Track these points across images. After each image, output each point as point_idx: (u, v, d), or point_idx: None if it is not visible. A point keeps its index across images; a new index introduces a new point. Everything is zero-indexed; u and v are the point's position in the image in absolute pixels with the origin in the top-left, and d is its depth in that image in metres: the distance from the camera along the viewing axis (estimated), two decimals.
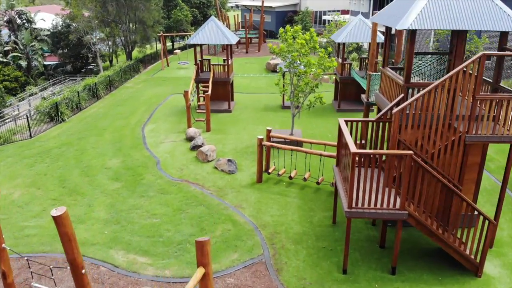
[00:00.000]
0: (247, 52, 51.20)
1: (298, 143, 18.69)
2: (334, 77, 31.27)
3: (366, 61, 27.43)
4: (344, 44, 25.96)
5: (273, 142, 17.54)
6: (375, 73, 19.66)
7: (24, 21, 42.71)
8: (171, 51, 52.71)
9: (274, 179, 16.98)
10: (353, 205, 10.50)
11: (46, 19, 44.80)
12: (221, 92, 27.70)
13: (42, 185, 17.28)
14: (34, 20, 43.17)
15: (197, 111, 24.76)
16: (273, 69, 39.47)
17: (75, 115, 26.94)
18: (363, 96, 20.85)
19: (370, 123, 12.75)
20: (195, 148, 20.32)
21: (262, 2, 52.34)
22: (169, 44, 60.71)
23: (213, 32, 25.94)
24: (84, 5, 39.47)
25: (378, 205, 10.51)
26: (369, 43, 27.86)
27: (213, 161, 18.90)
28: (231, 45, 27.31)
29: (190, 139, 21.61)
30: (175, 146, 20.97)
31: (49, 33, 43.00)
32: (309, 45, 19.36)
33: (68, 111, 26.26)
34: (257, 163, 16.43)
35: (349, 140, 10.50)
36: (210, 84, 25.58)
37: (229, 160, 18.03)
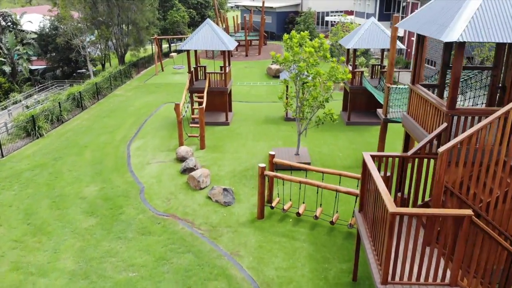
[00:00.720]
0: (246, 55, 48.45)
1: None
2: (341, 84, 28.54)
3: (378, 68, 24.69)
4: (355, 50, 23.19)
5: (276, 170, 14.80)
6: (395, 86, 16.89)
7: (9, 23, 39.98)
8: (167, 54, 49.91)
9: (278, 214, 14.23)
10: (389, 279, 7.76)
11: (34, 21, 42.04)
12: (218, 102, 24.96)
13: (4, 220, 14.52)
14: (19, 22, 40.43)
15: (190, 125, 22.01)
16: (274, 75, 36.70)
17: (55, 129, 24.15)
18: (379, 111, 18.09)
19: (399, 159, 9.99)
20: (186, 171, 17.58)
21: (263, 3, 49.61)
22: (165, 46, 57.98)
23: (209, 36, 23.18)
24: (72, 5, 36.71)
25: (422, 279, 7.77)
26: (382, 49, 25.19)
27: (206, 189, 16.17)
28: (229, 51, 24.60)
29: (181, 159, 18.87)
30: (164, 169, 18.22)
31: (36, 36, 40.23)
32: (318, 53, 16.61)
33: (47, 124, 23.50)
34: (258, 195, 13.68)
35: (384, 193, 7.72)
36: (205, 94, 22.83)
37: (225, 189, 15.28)
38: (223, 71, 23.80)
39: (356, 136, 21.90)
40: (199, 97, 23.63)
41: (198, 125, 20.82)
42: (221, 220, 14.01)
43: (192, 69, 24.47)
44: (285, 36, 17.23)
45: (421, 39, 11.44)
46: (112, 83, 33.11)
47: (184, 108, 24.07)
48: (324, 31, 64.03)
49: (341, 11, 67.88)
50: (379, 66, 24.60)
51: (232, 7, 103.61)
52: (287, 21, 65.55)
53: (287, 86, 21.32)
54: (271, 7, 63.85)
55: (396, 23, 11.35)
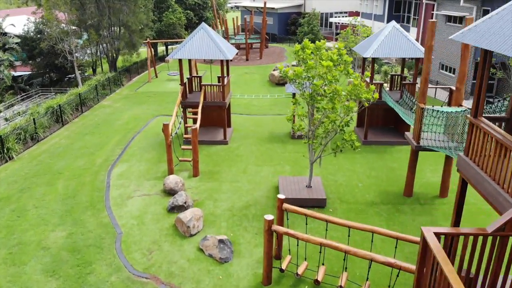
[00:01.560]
0: (247, 60, 45.27)
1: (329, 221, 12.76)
2: None
3: (398, 79, 21.51)
4: (373, 59, 20.00)
5: (286, 211, 11.61)
6: (430, 108, 13.71)
7: None
8: (163, 58, 46.58)
9: (290, 278, 11.06)
10: None
11: (18, 24, 38.82)
12: (215, 116, 21.85)
13: None
14: (1, 26, 37.25)
15: (182, 147, 18.86)
16: (277, 82, 33.49)
17: (29, 149, 20.96)
18: (408, 135, 14.92)
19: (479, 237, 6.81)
20: (174, 209, 14.43)
21: (264, 4, 46.47)
22: (162, 48, 54.81)
23: (204, 43, 20.02)
24: (57, 6, 33.54)
25: None
26: (403, 59, 21.97)
27: (198, 235, 13.02)
28: (227, 61, 21.51)
29: (169, 192, 15.72)
30: (148, 205, 15.05)
31: (19, 40, 37.04)
32: (338, 68, 13.44)
33: (18, 146, 20.35)
34: (264, 255, 10.49)
35: None
36: (199, 110, 19.67)
37: (220, 241, 12.10)
38: (221, 83, 20.64)
39: (376, 160, 18.71)
40: (193, 113, 20.49)
41: (191, 147, 17.67)
42: (215, 286, 10.86)
43: (186, 80, 21.35)
44: (297, 46, 14.01)
45: (488, 54, 8.27)
46: (99, 93, 29.96)
47: (175, 124, 20.98)
48: (328, 33, 60.90)
49: (345, 12, 64.78)
50: (399, 77, 21.43)
51: (232, 7, 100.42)
52: (289, 22, 62.43)
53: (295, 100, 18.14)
54: (273, 8, 60.71)
55: (470, 24, 8.35)
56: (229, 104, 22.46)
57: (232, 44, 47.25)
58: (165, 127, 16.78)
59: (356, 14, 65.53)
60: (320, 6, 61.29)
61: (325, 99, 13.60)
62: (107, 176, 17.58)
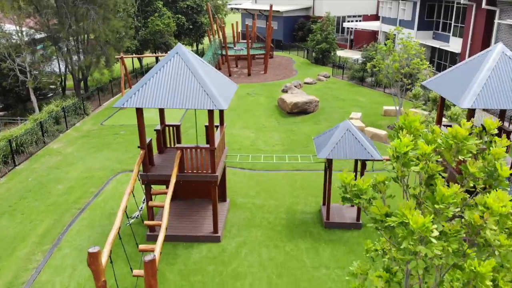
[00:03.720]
0: (249, 74, 36.78)
1: None
2: None
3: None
4: (472, 110, 11.44)
5: None
6: None
7: None
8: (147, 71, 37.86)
9: None
10: None
11: None
12: (200, 189, 13.53)
13: None
14: None
15: (139, 249, 10.47)
16: (290, 111, 24.93)
17: None
18: None
19: None
20: None
21: (271, 7, 37.96)
22: (150, 61, 46.29)
23: (181, 80, 11.57)
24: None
25: None
26: None
27: None
28: (221, 111, 13.16)
29: None
30: None
31: None
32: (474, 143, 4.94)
33: None
34: None
35: None
36: (169, 195, 11.15)
37: None
38: (209, 146, 12.13)
39: None
40: (157, 194, 12.06)
41: (153, 251, 9.21)
42: None
43: (149, 138, 12.94)
44: (402, 118, 5.52)
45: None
46: (48, 130, 21.50)
47: (136, 210, 12.59)
48: (340, 40, 52.38)
49: (359, 16, 56.30)
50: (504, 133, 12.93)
51: (233, 8, 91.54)
52: (296, 27, 53.98)
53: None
54: (277, 11, 52.21)
55: None
56: (224, 168, 14.04)
57: (231, 56, 38.78)
58: (92, 260, 8.24)
59: (372, 18, 57.13)
60: (331, 9, 52.78)
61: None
62: None
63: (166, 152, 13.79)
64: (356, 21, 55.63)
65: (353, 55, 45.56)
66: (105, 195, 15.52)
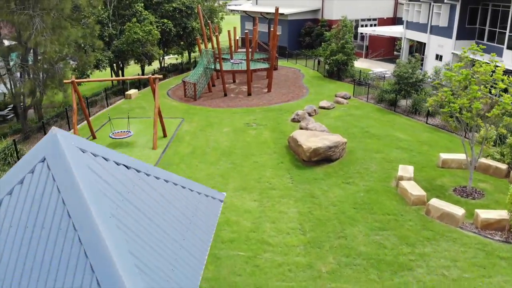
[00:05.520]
0: (249, 94, 29.23)
1: None
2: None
3: None
4: None
5: None
6: None
7: None
8: (123, 91, 29.98)
9: None
10: None
11: None
12: None
13: None
14: None
15: None
16: (308, 160, 17.27)
17: None
18: None
19: None
20: None
21: (276, 11, 30.40)
22: (133, 69, 38.69)
23: (40, 235, 4.03)
24: None
25: None
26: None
27: None
28: None
29: None
30: None
31: None
32: None
33: None
34: None
35: None
36: None
37: None
38: None
39: None
40: None
41: None
42: None
43: None
44: None
45: None
46: None
47: None
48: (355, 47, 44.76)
49: (374, 19, 48.69)
50: None
51: (232, 11, 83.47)
52: (303, 32, 46.38)
53: None
54: (282, 14, 44.33)
55: None
56: None
57: (226, 71, 31.03)
58: None
59: (388, 21, 49.54)
60: (342, 12, 45.22)
61: None
62: None
63: None
64: (371, 25, 48.06)
65: (372, 67, 37.98)
66: None
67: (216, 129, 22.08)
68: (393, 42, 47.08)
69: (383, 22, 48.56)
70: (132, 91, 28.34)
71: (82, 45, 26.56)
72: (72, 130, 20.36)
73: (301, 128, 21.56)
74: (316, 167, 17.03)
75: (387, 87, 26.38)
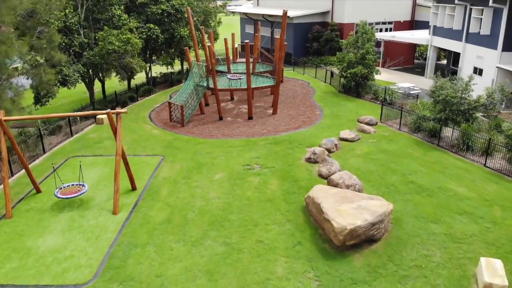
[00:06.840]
0: (250, 118, 23.34)
1: None
2: None
3: None
4: None
5: None
6: None
7: None
8: (99, 112, 23.84)
9: None
10: None
11: None
12: None
13: None
14: None
15: None
16: (341, 244, 11.44)
17: None
18: None
19: None
20: None
21: (284, 15, 24.50)
22: (113, 83, 32.69)
23: None
24: None
25: None
26: None
27: None
28: None
29: None
30: None
31: None
32: None
33: None
34: None
35: None
36: None
37: None
38: None
39: None
40: None
41: None
42: None
43: None
44: None
45: None
46: None
47: None
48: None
49: (389, 22, 42.77)
50: None
51: (233, 12, 77.20)
52: (310, 37, 40.47)
53: None
54: (287, 17, 38.57)
55: None
56: None
57: (221, 90, 24.81)
58: None
59: (405, 25, 43.61)
60: (354, 14, 39.36)
61: None
62: None
63: None
64: (386, 29, 42.17)
65: (392, 78, 32.08)
66: None
67: (206, 175, 16.25)
68: (414, 49, 41.20)
69: (399, 26, 42.67)
70: (101, 117, 22.43)
71: (40, 59, 20.77)
72: (1, 186, 14.47)
73: (320, 175, 15.75)
74: (352, 254, 11.18)
75: (426, 113, 20.47)
